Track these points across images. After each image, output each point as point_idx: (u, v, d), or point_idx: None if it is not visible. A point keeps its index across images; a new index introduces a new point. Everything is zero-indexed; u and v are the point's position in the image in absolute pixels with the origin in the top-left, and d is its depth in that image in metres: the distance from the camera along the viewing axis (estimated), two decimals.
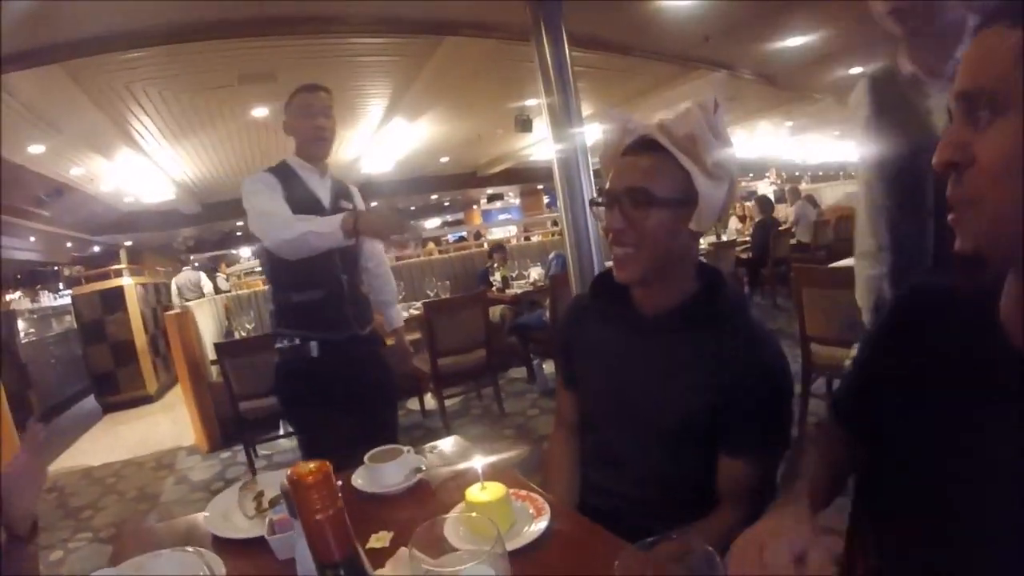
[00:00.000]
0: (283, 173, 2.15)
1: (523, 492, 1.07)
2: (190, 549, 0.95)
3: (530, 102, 7.04)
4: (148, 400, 6.53)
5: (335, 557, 0.44)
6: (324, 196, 2.19)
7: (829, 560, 0.64)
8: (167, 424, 5.61)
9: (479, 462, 1.04)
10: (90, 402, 6.79)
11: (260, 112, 6.23)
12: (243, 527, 1.12)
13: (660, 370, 1.10)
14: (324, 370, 2.12)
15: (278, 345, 2.18)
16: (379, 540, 1.01)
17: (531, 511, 1.02)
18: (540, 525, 0.97)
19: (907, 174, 1.42)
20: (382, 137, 8.07)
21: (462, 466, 1.07)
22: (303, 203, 2.09)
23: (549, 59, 3.92)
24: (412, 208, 18.77)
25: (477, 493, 0.99)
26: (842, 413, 0.90)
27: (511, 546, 0.92)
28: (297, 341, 2.13)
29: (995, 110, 0.55)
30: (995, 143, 0.55)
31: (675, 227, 1.06)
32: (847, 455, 0.87)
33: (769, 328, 1.12)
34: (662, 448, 1.10)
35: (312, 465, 0.43)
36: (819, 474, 0.84)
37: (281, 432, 4.12)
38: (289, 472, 0.43)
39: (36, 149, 6.02)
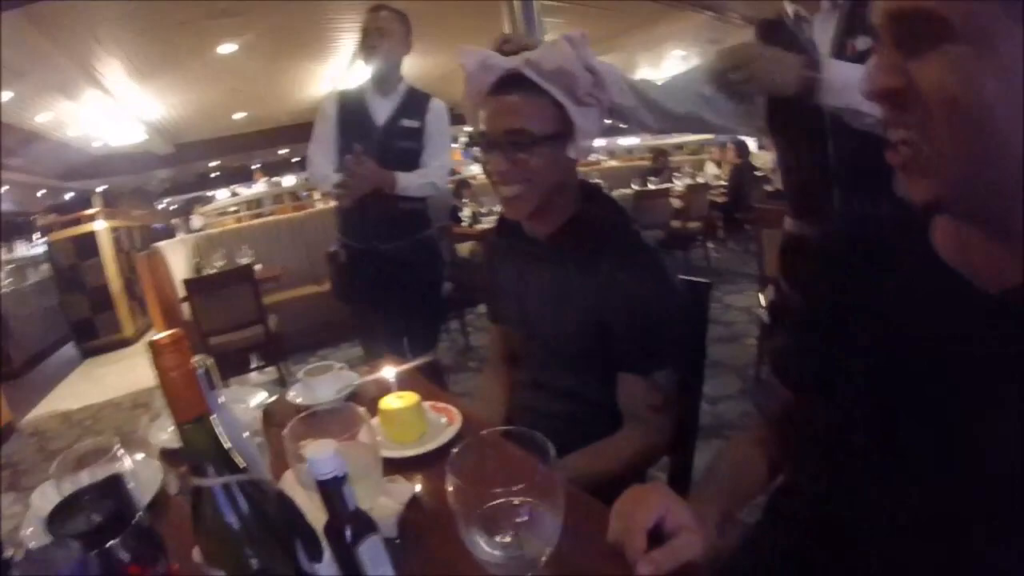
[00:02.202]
0: (352, 93, 2.38)
1: (440, 404, 1.12)
2: None
3: None
4: (126, 343, 6.55)
5: (191, 413, 0.50)
6: (381, 115, 2.33)
7: (688, 541, 0.64)
8: (145, 366, 5.56)
9: (389, 372, 1.10)
10: (69, 349, 6.81)
11: (227, 48, 6.07)
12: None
13: (550, 292, 1.17)
14: (354, 273, 2.44)
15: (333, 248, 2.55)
16: None
17: (444, 420, 1.08)
18: (451, 430, 1.03)
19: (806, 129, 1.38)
20: (354, 73, 7.90)
21: (384, 375, 1.12)
22: (353, 123, 2.32)
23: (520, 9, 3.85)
24: None
25: (390, 401, 1.04)
26: (779, 368, 0.83)
27: (421, 450, 0.98)
28: (334, 248, 2.51)
29: (939, 36, 0.47)
30: (940, 72, 0.47)
31: (557, 160, 1.09)
32: (759, 461, 0.83)
33: (652, 246, 1.17)
34: (567, 367, 1.17)
35: (167, 332, 0.49)
36: (727, 474, 0.83)
37: (253, 366, 4.17)
38: (149, 341, 0.49)
39: (4, 96, 5.85)
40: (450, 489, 0.56)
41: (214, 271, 4.41)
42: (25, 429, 4.50)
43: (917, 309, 0.59)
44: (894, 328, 0.60)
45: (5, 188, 9.51)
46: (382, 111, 2.32)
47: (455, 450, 0.60)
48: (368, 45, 2.24)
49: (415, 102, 2.38)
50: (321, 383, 1.26)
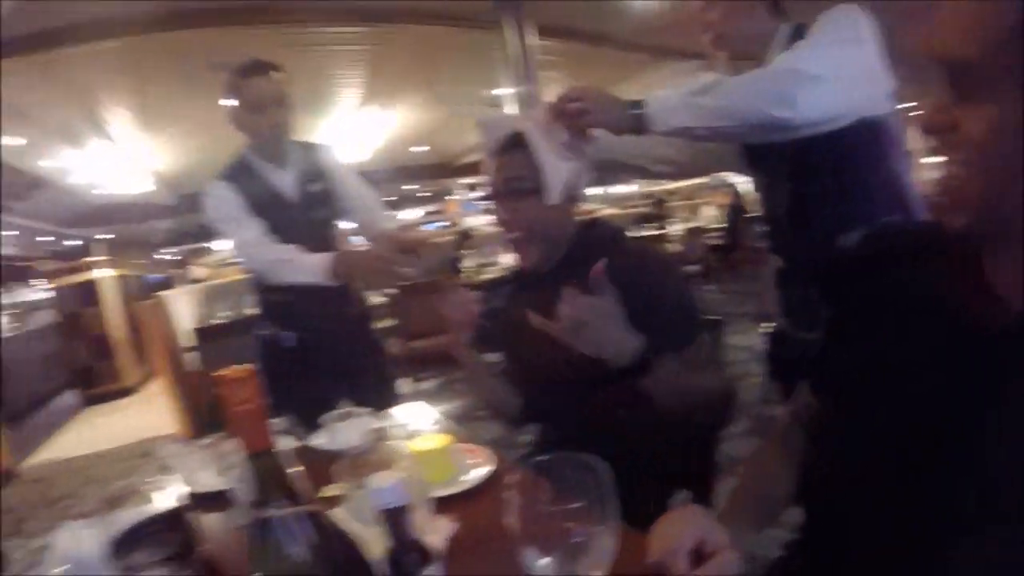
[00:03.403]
0: (239, 173, 2.00)
1: (468, 446, 1.14)
2: None
3: (503, 91, 7.11)
4: (126, 393, 6.53)
5: (257, 446, 0.53)
6: (287, 188, 2.03)
7: (726, 560, 0.67)
8: (148, 415, 5.61)
9: (423, 417, 1.12)
10: (68, 397, 6.77)
11: (232, 102, 6.19)
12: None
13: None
14: (305, 361, 2.03)
15: (256, 332, 2.11)
16: (330, 490, 1.02)
17: (473, 461, 1.09)
18: (484, 470, 1.05)
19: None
20: (356, 125, 8.08)
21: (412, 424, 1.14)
22: (263, 204, 1.96)
23: (514, 50, 4.01)
24: (394, 198, 18.66)
25: (421, 443, 1.06)
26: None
27: (451, 489, 0.99)
28: (274, 331, 2.06)
29: (986, 83, 0.52)
30: (985, 117, 0.52)
31: (546, 208, 1.20)
32: (783, 473, 0.84)
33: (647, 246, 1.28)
34: (581, 383, 1.19)
35: (237, 367, 0.52)
36: (752, 491, 0.86)
37: None
38: (214, 375, 0.52)
39: (9, 141, 5.97)
40: (510, 506, 0.59)
41: (220, 322, 4.45)
42: (27, 475, 4.45)
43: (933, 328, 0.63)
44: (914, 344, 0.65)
45: (9, 233, 9.57)
46: (286, 184, 2.02)
47: (511, 471, 0.63)
48: (271, 123, 1.93)
49: (310, 160, 2.09)
50: (345, 428, 1.29)
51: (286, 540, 0.53)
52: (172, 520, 0.61)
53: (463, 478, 1.03)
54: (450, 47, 5.55)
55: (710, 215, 9.13)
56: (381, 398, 1.94)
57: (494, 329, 1.42)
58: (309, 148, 2.13)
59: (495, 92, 6.96)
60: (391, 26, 4.89)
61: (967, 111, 0.54)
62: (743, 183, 8.41)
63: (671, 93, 1.20)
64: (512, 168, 1.22)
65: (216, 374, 0.52)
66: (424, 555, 0.60)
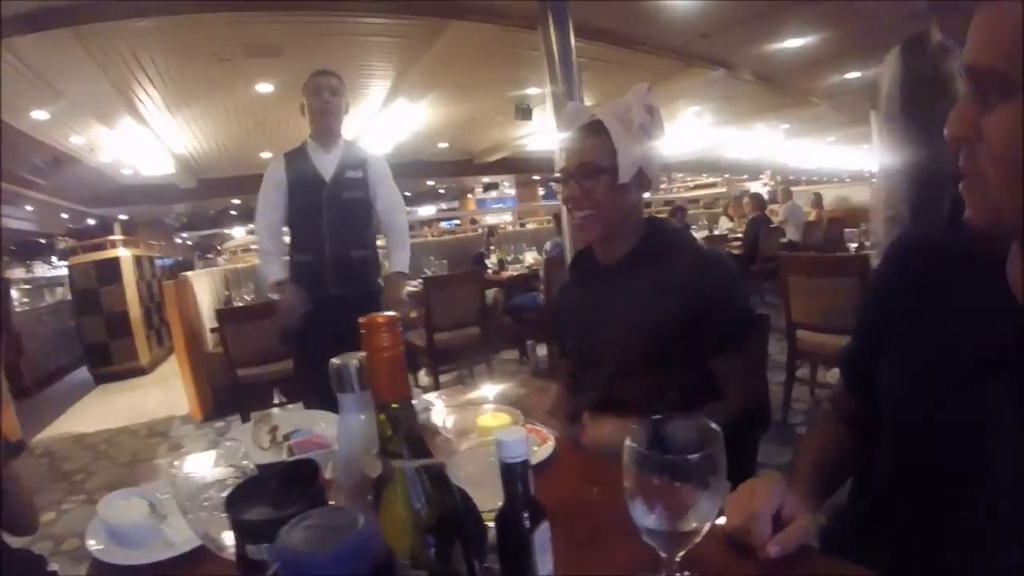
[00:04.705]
0: (297, 153, 2.56)
1: (528, 425, 1.15)
2: None
3: (531, 91, 7.11)
4: (141, 372, 6.54)
5: (394, 395, 0.52)
6: (327, 170, 2.53)
7: (803, 525, 0.71)
8: (160, 395, 5.64)
9: (490, 390, 1.12)
10: (82, 372, 6.81)
11: (265, 88, 6.25)
12: (258, 458, 1.19)
13: (623, 307, 1.30)
14: (313, 322, 2.48)
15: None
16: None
17: (537, 440, 1.11)
18: (548, 446, 1.07)
19: (929, 141, 1.49)
20: (384, 118, 8.11)
21: (473, 394, 1.14)
22: (302, 181, 2.51)
23: (555, 48, 3.98)
24: (408, 194, 18.73)
25: (489, 419, 1.06)
26: (847, 372, 0.94)
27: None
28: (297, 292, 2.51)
29: (1004, 91, 0.55)
30: (1001, 123, 0.55)
31: (615, 189, 1.28)
32: (841, 444, 0.92)
33: (707, 248, 1.38)
34: (635, 375, 1.27)
35: (383, 313, 0.52)
36: (813, 466, 0.89)
37: (276, 401, 4.17)
38: (362, 320, 0.51)
39: (39, 115, 6.02)
40: (626, 460, 0.61)
41: (244, 304, 4.46)
42: (35, 448, 4.47)
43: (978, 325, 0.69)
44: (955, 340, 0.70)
45: (29, 208, 9.66)
46: (328, 166, 2.53)
47: (633, 426, 0.64)
48: (323, 101, 2.47)
49: (354, 154, 2.60)
50: None
51: (414, 493, 0.53)
52: (290, 476, 0.60)
53: (534, 451, 1.04)
54: (486, 45, 5.55)
55: (727, 225, 9.12)
56: None
57: (560, 311, 1.51)
58: (357, 148, 2.65)
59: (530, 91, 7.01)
60: (430, 19, 4.90)
61: (990, 118, 0.56)
62: (766, 192, 8.40)
63: (635, 145, 1.27)
64: (588, 151, 1.29)
65: (364, 319, 0.51)
66: (538, 512, 0.59)
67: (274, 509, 0.56)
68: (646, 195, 1.39)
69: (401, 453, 0.53)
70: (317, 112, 2.48)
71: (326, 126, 2.51)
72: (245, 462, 0.79)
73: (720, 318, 1.22)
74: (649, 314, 1.25)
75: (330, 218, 2.51)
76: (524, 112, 7.39)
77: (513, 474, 0.58)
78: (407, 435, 0.53)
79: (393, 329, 0.51)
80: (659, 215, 9.28)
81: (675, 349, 1.23)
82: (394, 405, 0.53)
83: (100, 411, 5.43)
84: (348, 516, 0.44)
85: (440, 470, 0.55)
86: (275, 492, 0.58)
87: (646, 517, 0.61)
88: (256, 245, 2.47)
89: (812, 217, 8.30)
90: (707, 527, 0.62)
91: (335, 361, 0.68)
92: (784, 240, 7.68)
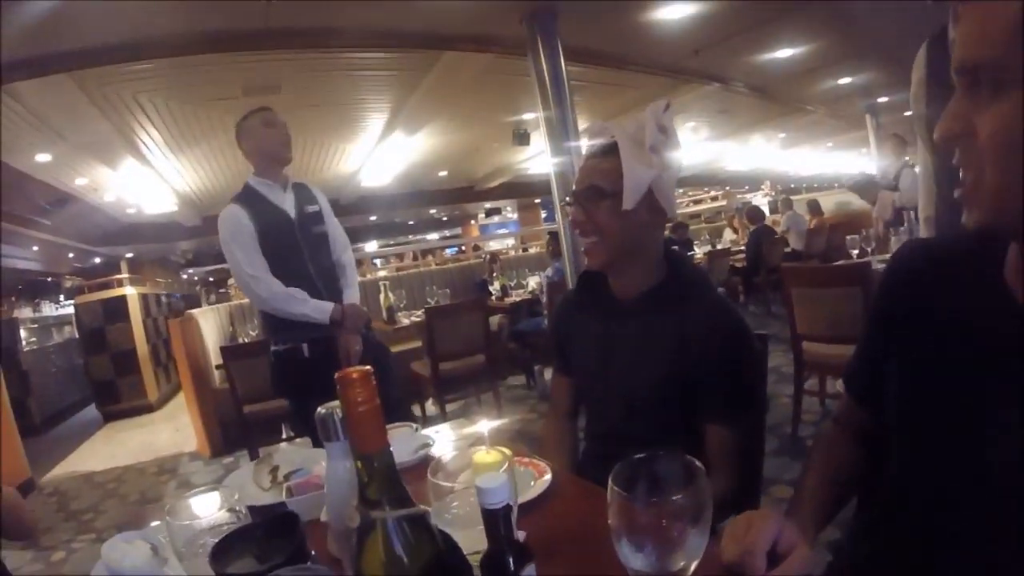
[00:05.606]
0: (249, 200, 2.36)
1: (525, 459, 1.14)
2: None
3: (527, 115, 7.17)
4: (149, 409, 6.56)
5: (371, 447, 0.53)
6: (289, 208, 2.40)
7: (801, 556, 0.70)
8: (168, 432, 5.64)
9: (485, 425, 1.12)
10: (90, 410, 6.82)
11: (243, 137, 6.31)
12: (259, 497, 1.18)
13: (634, 348, 1.24)
14: (318, 365, 2.33)
15: (273, 348, 2.42)
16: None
17: (534, 474, 1.10)
18: (544, 480, 1.05)
19: None
20: (382, 151, 8.19)
21: (468, 430, 1.14)
22: (272, 224, 2.34)
23: (546, 73, 4.03)
24: (411, 222, 18.82)
25: (483, 456, 1.06)
26: (851, 385, 0.93)
27: (524, 498, 0.98)
28: (289, 345, 2.37)
29: (996, 86, 0.54)
30: (995, 119, 0.55)
31: (621, 213, 1.19)
32: (848, 460, 0.90)
33: (731, 303, 1.28)
34: (642, 418, 1.22)
35: (357, 368, 0.52)
36: (817, 487, 0.88)
37: (283, 436, 4.17)
38: (337, 375, 0.52)
39: (42, 157, 6.11)
40: (611, 501, 0.60)
41: (249, 340, 4.48)
42: (45, 487, 4.47)
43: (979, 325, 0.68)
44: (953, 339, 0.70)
45: (35, 248, 9.76)
46: (287, 203, 2.40)
47: (617, 466, 0.64)
48: (284, 133, 2.39)
49: (301, 188, 2.49)
50: (396, 443, 1.27)
51: (396, 543, 0.53)
52: (275, 526, 0.60)
53: (531, 486, 1.03)
54: (479, 73, 5.62)
55: (730, 237, 9.11)
56: (392, 408, 2.21)
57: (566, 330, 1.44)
58: (299, 182, 2.50)
59: (526, 116, 7.04)
60: (423, 52, 4.96)
61: (982, 115, 0.56)
62: (766, 203, 8.38)
63: (641, 170, 1.20)
64: (596, 174, 1.23)
65: (339, 374, 0.52)
66: (524, 554, 0.59)
67: (258, 560, 0.56)
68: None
69: (380, 500, 0.53)
70: (279, 144, 2.36)
71: (286, 158, 2.40)
72: (238, 508, 0.80)
73: (722, 380, 1.15)
74: (662, 365, 1.18)
75: (311, 255, 2.40)
76: (522, 137, 7.45)
77: (495, 519, 0.58)
78: (386, 482, 0.53)
79: (367, 383, 0.51)
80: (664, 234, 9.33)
81: (682, 400, 1.18)
82: (375, 454, 0.53)
83: (109, 449, 5.44)
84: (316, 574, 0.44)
85: (422, 517, 0.55)
86: (260, 541, 0.58)
87: (634, 557, 0.60)
88: (265, 296, 2.31)
89: (812, 225, 8.27)
90: (695, 565, 0.61)
91: (320, 410, 0.69)
92: (788, 250, 7.68)
